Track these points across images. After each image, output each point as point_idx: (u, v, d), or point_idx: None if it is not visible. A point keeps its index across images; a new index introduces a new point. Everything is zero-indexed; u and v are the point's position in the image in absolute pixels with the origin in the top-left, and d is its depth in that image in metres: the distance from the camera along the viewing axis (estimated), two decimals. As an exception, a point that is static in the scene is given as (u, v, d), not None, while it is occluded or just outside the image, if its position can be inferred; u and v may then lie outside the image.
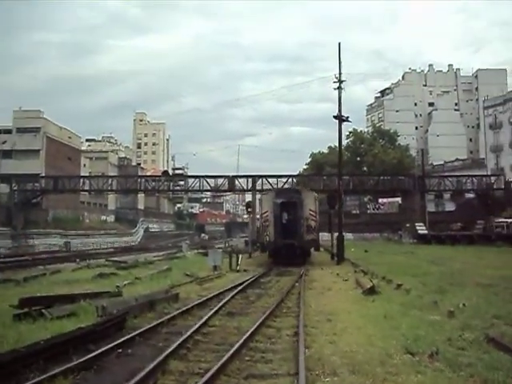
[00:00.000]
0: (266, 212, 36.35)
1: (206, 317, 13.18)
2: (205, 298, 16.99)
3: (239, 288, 20.10)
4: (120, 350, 9.99)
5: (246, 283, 21.97)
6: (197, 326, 11.92)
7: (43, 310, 13.13)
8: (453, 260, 32.50)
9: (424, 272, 25.12)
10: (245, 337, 10.66)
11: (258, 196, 69.76)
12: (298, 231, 34.72)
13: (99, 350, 9.48)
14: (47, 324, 12.13)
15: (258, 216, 65.39)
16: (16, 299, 16.87)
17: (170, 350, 9.50)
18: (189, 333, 11.10)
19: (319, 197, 74.31)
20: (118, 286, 19.90)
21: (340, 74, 36.54)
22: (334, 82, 36.68)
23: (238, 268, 30.63)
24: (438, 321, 12.72)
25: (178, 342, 10.11)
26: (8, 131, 76.00)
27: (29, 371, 8.19)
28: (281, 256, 34.22)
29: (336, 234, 38.22)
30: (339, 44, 37.15)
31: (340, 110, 36.01)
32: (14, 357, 8.18)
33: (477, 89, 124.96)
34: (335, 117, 36.12)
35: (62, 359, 9.07)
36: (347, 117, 36.75)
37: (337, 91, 36.57)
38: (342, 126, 37.32)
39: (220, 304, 15.57)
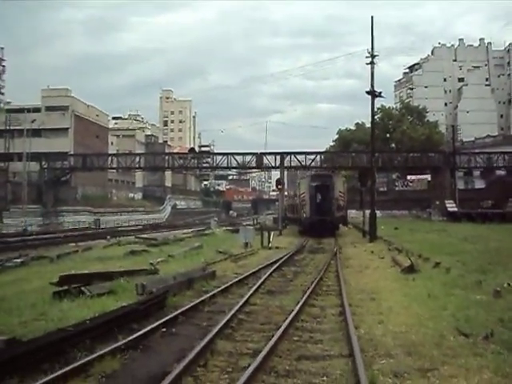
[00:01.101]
0: (303, 193, 43.66)
1: (248, 295, 12.97)
2: (242, 276, 16.79)
3: (275, 266, 19.88)
4: (164, 329, 9.79)
5: (281, 261, 21.75)
6: (239, 304, 11.70)
7: (82, 288, 13.02)
8: (487, 238, 31.72)
9: (459, 250, 24.52)
10: (291, 316, 10.40)
11: (286, 173, 69.85)
12: (330, 209, 42.03)
13: (144, 330, 9.29)
14: (88, 302, 12.00)
15: (285, 193, 65.42)
16: (52, 276, 16.96)
17: (216, 329, 9.27)
18: (232, 312, 10.88)
19: (347, 173, 76.47)
20: (152, 263, 19.81)
21: (372, 48, 35.71)
22: (367, 57, 35.89)
23: (270, 245, 30.44)
24: (484, 301, 12.26)
25: (224, 322, 9.88)
26: (37, 110, 76.24)
27: (76, 350, 8.03)
28: (315, 229, 40.24)
29: (367, 212, 37.83)
30: (372, 18, 36.18)
31: (373, 85, 35.23)
32: (61, 336, 8.02)
33: (509, 63, 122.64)
34: (368, 92, 35.37)
35: (108, 338, 8.91)
36: (380, 92, 36.02)
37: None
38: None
39: (259, 282, 15.36)
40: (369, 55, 35.95)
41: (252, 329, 10.14)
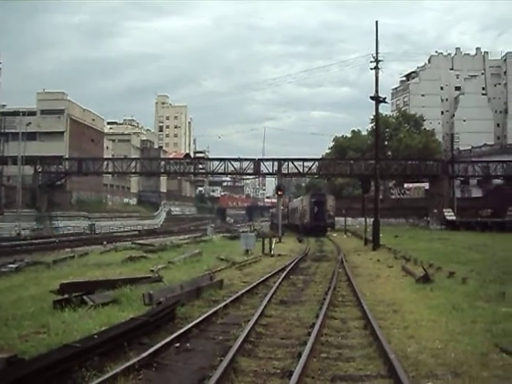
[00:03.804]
0: (305, 205, 61.70)
1: (262, 306, 12.12)
2: (251, 286, 15.92)
3: (282, 274, 19.04)
4: (178, 344, 8.94)
5: (287, 269, 20.90)
6: (255, 316, 10.84)
7: (84, 297, 12.18)
8: (491, 247, 31.15)
9: (468, 259, 23.95)
10: (315, 331, 9.51)
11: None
12: (323, 217, 59.40)
13: (157, 345, 8.40)
14: (91, 312, 11.15)
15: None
16: (49, 282, 16.19)
17: (237, 345, 8.42)
18: (250, 324, 10.02)
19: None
20: (153, 270, 19.02)
21: (377, 52, 35.07)
22: (371, 62, 35.24)
23: (272, 253, 29.65)
24: (514, 314, 11.53)
25: (243, 336, 9.03)
26: (32, 113, 75.15)
27: (85, 370, 7.14)
28: (313, 230, 55.88)
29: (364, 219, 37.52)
30: (376, 22, 35.56)
31: (377, 91, 34.58)
32: (69, 354, 7.11)
33: (505, 73, 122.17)
34: (372, 97, 34.69)
35: (118, 355, 8.06)
36: (384, 98, 35.35)
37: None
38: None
39: (270, 292, 14.50)
40: (373, 60, 35.31)
41: (273, 344, 9.27)
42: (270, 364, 8.02)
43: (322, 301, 13.32)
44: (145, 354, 7.79)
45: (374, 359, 8.26)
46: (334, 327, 10.73)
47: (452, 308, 12.35)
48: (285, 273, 19.56)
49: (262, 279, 17.67)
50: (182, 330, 9.59)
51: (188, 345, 9.12)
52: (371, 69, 35.12)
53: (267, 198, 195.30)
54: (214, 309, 11.81)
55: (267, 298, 13.35)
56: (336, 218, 64.83)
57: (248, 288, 15.34)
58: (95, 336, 8.12)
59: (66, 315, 10.81)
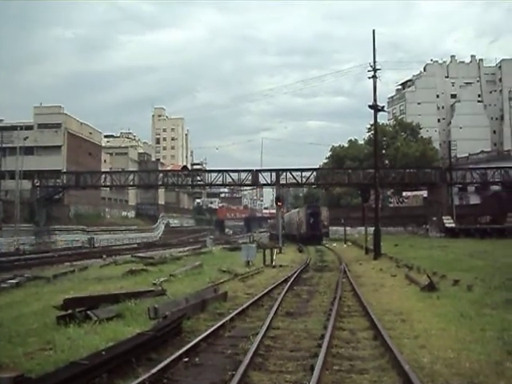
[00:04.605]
0: (301, 216, 67.60)
1: (269, 318, 11.95)
2: (255, 297, 15.74)
3: (286, 285, 18.89)
4: (187, 359, 8.78)
5: (291, 280, 20.75)
6: (263, 329, 10.68)
7: (88, 312, 12.00)
8: (492, 254, 30.98)
9: (471, 267, 23.75)
10: (325, 342, 9.37)
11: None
12: (318, 227, 64.36)
13: (166, 361, 8.24)
14: (96, 328, 10.96)
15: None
16: (50, 297, 16.03)
17: (247, 359, 8.25)
18: (259, 337, 9.86)
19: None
20: (155, 283, 18.87)
21: (374, 61, 35.10)
22: (369, 71, 35.26)
23: (274, 264, 29.49)
24: (524, 321, 11.40)
25: (253, 350, 8.87)
26: (29, 127, 74.95)
27: (94, 388, 7.00)
28: (309, 239, 59.99)
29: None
30: (373, 31, 35.76)
31: (375, 99, 34.59)
32: (77, 371, 6.94)
33: (500, 80, 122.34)
34: (371, 106, 34.68)
35: (127, 371, 7.90)
36: (382, 106, 35.34)
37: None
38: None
39: (275, 303, 14.34)
40: (370, 69, 35.31)
41: (283, 357, 9.11)
42: (282, 378, 7.86)
43: (329, 311, 13.20)
44: (154, 370, 7.63)
45: (387, 370, 8.11)
46: (344, 338, 10.57)
47: (460, 316, 12.24)
48: (288, 284, 19.42)
49: (266, 291, 17.51)
50: (190, 345, 9.41)
51: (197, 359, 8.96)
52: (369, 78, 35.12)
53: (265, 208, 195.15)
54: (221, 322, 11.64)
55: (273, 310, 13.19)
56: (334, 228, 69.32)
57: (253, 300, 15.18)
58: (103, 352, 7.97)
59: (70, 331, 10.62)
